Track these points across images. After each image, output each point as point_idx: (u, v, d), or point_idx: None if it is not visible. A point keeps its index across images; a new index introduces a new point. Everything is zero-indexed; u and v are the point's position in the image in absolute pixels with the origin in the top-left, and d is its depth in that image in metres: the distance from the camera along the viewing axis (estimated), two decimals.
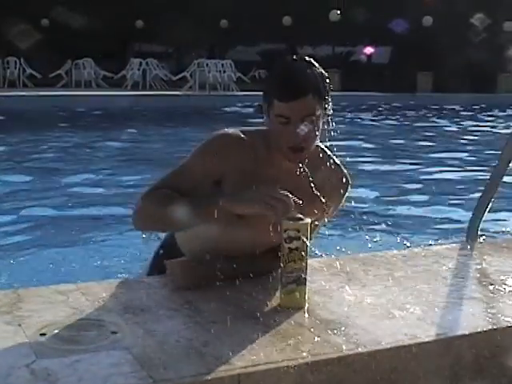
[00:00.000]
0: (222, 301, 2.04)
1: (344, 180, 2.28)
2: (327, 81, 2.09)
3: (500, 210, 5.74)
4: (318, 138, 2.10)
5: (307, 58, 2.11)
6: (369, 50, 28.20)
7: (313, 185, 2.15)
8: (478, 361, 1.90)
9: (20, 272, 4.32)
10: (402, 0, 25.68)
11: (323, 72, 2.09)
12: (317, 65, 2.10)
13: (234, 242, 2.17)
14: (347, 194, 2.30)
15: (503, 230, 5.35)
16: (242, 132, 2.17)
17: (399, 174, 8.48)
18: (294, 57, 2.12)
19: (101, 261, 4.60)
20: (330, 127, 2.13)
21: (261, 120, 2.16)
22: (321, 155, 2.20)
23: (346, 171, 2.30)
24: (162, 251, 2.45)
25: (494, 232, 4.85)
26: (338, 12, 24.96)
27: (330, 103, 2.10)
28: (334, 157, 2.26)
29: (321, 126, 2.09)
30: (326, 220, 2.30)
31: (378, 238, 5.31)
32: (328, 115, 2.11)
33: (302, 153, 2.07)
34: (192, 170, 2.12)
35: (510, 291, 2.26)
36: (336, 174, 2.26)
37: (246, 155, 2.13)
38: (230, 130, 2.18)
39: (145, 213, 2.11)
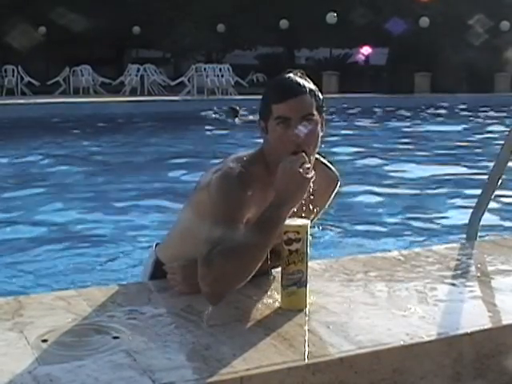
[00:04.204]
0: (222, 304, 2.04)
1: (335, 179, 2.34)
2: (320, 95, 2.13)
3: (499, 209, 5.76)
4: (318, 145, 2.11)
5: (300, 73, 2.14)
6: (366, 50, 28.23)
7: (310, 190, 2.16)
8: (480, 359, 1.90)
9: (22, 278, 4.34)
10: (399, 1, 25.73)
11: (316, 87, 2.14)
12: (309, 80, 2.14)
13: None
14: (336, 190, 2.37)
15: (503, 228, 5.35)
16: (242, 165, 2.11)
17: (397, 175, 8.48)
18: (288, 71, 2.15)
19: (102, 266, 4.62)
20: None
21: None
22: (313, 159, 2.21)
23: (335, 170, 2.35)
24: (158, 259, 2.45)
25: (493, 231, 4.86)
26: (335, 14, 24.99)
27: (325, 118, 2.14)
28: (322, 157, 2.27)
29: (320, 135, 2.10)
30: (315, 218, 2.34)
31: (377, 239, 5.33)
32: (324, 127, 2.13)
33: None
34: (232, 221, 2.01)
35: (510, 289, 2.27)
36: (328, 175, 2.30)
37: (256, 188, 2.09)
38: (236, 170, 2.08)
39: (230, 268, 1.93)
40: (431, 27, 25.44)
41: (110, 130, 14.04)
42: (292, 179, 1.97)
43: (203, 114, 16.63)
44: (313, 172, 2.01)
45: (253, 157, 2.18)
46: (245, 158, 2.16)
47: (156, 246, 2.51)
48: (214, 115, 16.01)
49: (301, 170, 1.97)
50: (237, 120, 14.34)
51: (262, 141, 2.18)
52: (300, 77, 2.12)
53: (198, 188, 2.22)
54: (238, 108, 15.38)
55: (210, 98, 20.87)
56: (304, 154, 2.01)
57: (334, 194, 2.37)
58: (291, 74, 2.12)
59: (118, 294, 2.16)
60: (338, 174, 2.35)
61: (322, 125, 2.12)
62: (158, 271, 2.36)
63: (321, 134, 2.12)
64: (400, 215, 6.25)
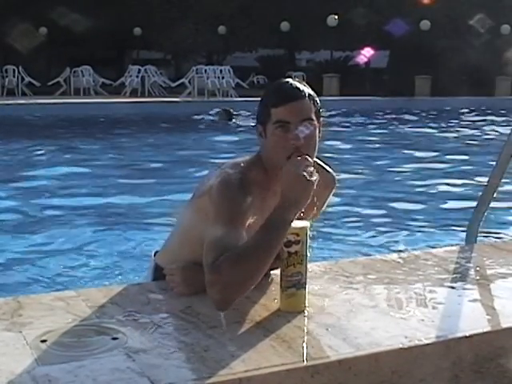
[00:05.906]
0: None
1: (332, 181, 2.36)
2: (319, 101, 2.13)
3: (499, 212, 5.76)
4: (316, 150, 2.11)
5: (298, 79, 2.17)
6: (368, 51, 28.21)
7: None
8: (479, 362, 1.90)
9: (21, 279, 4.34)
10: (400, 4, 25.75)
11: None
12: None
13: None
14: (334, 191, 2.39)
15: (502, 231, 5.36)
16: (240, 171, 2.10)
17: (398, 178, 8.48)
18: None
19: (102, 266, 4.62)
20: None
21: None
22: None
23: (332, 171, 2.36)
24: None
25: (493, 234, 4.86)
26: (336, 17, 25.00)
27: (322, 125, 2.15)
28: (318, 159, 2.28)
29: (318, 140, 2.10)
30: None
31: (377, 242, 5.33)
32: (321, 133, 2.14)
33: None
34: (236, 226, 2.01)
35: (509, 293, 2.27)
36: (325, 177, 2.30)
37: (255, 194, 2.09)
38: (234, 176, 2.07)
39: (238, 273, 1.90)
40: (432, 30, 25.45)
41: (110, 131, 14.03)
42: (297, 182, 1.97)
43: (202, 115, 16.64)
44: (316, 175, 2.01)
45: (250, 162, 2.17)
46: (242, 164, 2.15)
47: (155, 254, 2.51)
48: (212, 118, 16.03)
49: (305, 173, 1.97)
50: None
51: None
52: (299, 82, 2.13)
53: (198, 194, 2.21)
54: (231, 110, 15.39)
55: (211, 100, 20.87)
56: (308, 157, 2.01)
57: (331, 195, 2.38)
58: (290, 79, 2.14)
59: (118, 294, 2.16)
60: (334, 175, 2.37)
61: (319, 131, 2.13)
62: (158, 277, 2.35)
63: (318, 140, 2.12)
64: (400, 217, 6.25)
